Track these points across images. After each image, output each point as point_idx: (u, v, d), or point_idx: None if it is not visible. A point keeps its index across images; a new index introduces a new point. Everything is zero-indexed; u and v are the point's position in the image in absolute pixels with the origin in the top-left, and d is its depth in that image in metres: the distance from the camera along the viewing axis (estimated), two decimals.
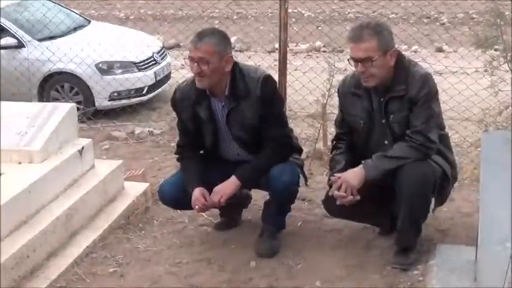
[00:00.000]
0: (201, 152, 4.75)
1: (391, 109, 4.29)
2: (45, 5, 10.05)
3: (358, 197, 4.26)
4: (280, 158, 4.50)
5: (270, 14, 13.52)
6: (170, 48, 11.77)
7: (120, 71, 9.28)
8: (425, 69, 4.34)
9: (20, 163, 4.79)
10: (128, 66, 9.36)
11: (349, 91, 4.46)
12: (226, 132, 4.57)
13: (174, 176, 4.79)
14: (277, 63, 6.88)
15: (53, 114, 5.06)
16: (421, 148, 4.20)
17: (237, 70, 4.46)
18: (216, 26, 11.81)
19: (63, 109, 5.14)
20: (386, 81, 4.26)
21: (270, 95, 4.44)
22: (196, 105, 4.52)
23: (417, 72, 4.25)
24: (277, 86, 4.92)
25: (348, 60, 4.30)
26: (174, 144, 6.14)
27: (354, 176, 4.26)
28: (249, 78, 4.43)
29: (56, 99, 8.97)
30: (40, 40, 9.31)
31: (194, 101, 4.52)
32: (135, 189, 5.44)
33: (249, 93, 4.41)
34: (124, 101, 9.20)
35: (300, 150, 4.80)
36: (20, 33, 9.27)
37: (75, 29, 10.02)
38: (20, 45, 9.20)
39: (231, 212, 4.99)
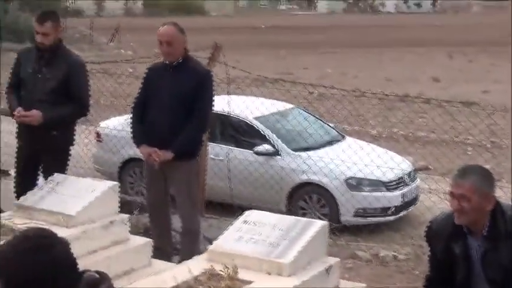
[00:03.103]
0: None
1: None
2: (307, 119, 10.44)
3: None
4: None
5: None
6: (419, 170, 11.67)
7: (368, 188, 9.35)
8: None
9: (269, 274, 4.90)
10: (376, 184, 9.41)
11: None
12: (480, 273, 4.39)
13: None
14: None
15: (306, 229, 5.15)
16: None
17: (499, 209, 4.31)
18: (469, 153, 11.61)
19: (316, 226, 5.21)
20: None
21: None
22: (451, 241, 4.41)
23: None
24: None
25: None
26: (418, 272, 6.06)
27: None
28: (511, 219, 4.27)
29: (302, 209, 9.19)
30: (295, 150, 9.63)
31: (450, 235, 4.41)
32: None
33: (510, 234, 4.24)
34: (369, 219, 9.21)
35: None
36: (277, 141, 9.65)
37: (329, 143, 10.24)
38: (276, 153, 9.56)
39: None
